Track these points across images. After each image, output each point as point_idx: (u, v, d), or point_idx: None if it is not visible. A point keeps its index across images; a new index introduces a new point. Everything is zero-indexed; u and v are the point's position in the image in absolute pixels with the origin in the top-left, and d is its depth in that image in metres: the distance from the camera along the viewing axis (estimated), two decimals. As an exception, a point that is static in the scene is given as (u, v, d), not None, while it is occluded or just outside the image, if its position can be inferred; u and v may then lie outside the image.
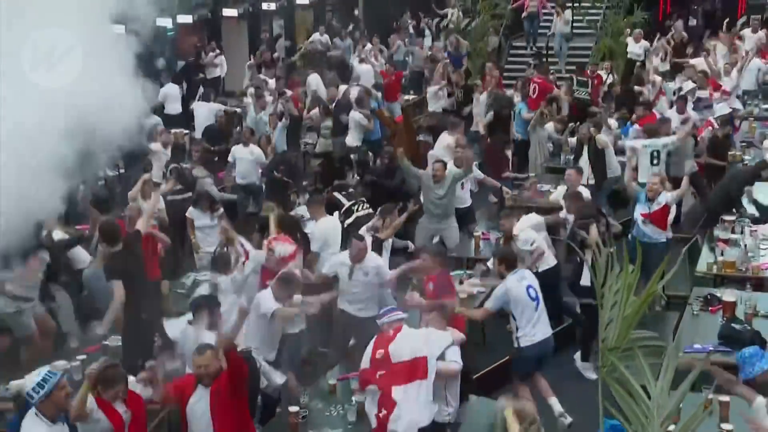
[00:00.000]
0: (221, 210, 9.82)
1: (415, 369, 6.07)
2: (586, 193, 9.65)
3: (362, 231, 8.67)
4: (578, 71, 16.40)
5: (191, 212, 9.74)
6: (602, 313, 2.99)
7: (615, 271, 2.97)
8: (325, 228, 8.66)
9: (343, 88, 15.29)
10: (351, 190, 10.06)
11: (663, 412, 2.93)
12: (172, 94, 15.92)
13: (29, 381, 5.29)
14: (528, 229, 8.77)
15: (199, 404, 5.74)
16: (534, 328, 7.27)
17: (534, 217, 9.03)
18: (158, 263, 8.54)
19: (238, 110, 15.75)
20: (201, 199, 9.84)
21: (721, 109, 13.63)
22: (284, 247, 7.78)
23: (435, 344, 6.20)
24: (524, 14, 20.02)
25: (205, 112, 14.86)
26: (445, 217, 9.87)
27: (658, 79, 14.98)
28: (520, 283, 7.31)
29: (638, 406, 2.94)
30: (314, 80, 16.62)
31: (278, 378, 6.90)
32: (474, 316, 7.65)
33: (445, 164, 10.06)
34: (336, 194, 10.03)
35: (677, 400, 3.00)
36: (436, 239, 9.83)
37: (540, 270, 8.79)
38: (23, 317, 8.12)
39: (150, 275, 8.15)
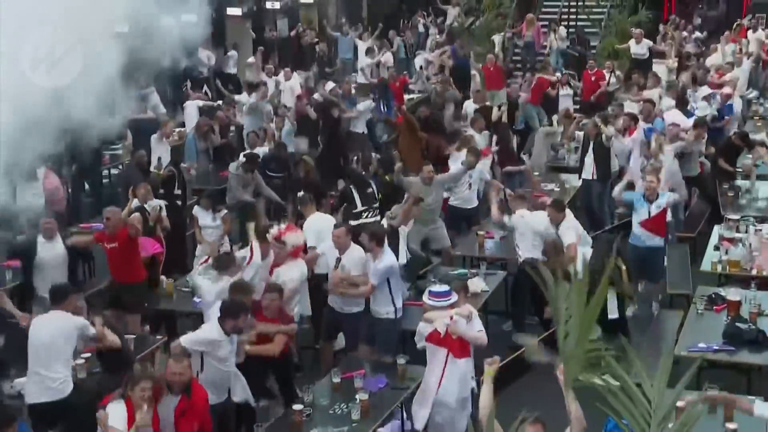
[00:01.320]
0: (224, 211, 9.83)
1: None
2: (571, 232, 8.79)
3: (384, 220, 9.11)
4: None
5: (196, 210, 9.82)
6: (559, 328, 3.05)
7: (564, 286, 3.02)
8: (311, 224, 8.70)
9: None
10: (370, 190, 9.97)
11: (660, 412, 2.94)
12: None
13: None
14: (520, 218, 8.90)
15: (164, 412, 5.76)
16: (401, 303, 7.77)
17: (539, 221, 8.91)
18: (140, 265, 8.58)
19: (217, 103, 15.49)
20: (204, 198, 9.85)
21: (703, 109, 13.54)
22: (296, 236, 7.93)
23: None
24: (521, 42, 19.92)
25: (192, 109, 14.84)
26: (433, 221, 9.96)
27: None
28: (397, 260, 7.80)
29: (636, 408, 2.96)
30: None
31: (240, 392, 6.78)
32: (362, 294, 7.76)
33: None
34: (352, 188, 9.99)
35: (674, 399, 3.01)
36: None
37: (520, 260, 8.86)
38: None
39: (130, 277, 8.31)
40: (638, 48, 18.04)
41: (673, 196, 9.43)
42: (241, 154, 11.65)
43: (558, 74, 16.36)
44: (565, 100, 15.62)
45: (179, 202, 10.82)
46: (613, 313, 7.71)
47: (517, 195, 9.56)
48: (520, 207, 9.10)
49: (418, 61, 19.13)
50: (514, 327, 9.12)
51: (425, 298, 6.69)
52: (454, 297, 6.61)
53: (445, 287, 6.73)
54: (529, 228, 8.86)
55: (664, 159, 10.62)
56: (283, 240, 7.93)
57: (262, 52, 18.41)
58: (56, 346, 6.46)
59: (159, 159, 11.77)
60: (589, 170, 11.55)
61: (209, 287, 7.39)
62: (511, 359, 8.14)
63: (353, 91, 15.36)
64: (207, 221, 9.68)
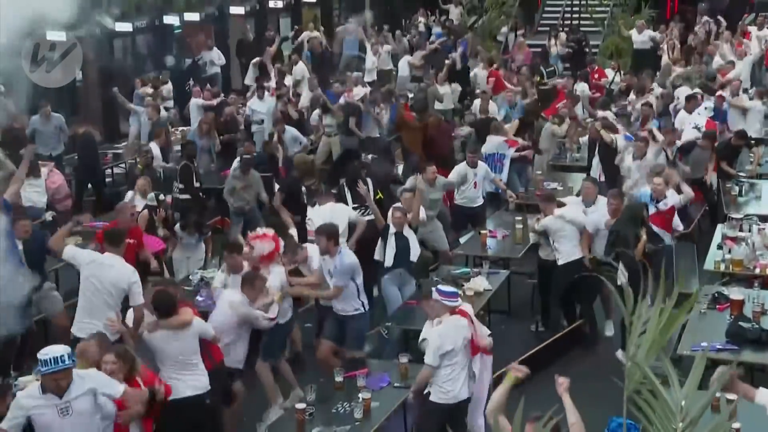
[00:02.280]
0: (209, 233, 9.76)
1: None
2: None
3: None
4: (544, 62, 16.56)
5: (178, 229, 9.64)
6: (630, 338, 3.00)
7: (646, 303, 2.98)
8: (321, 213, 8.66)
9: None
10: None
11: (688, 416, 2.91)
12: None
13: (49, 350, 5.28)
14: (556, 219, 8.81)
15: None
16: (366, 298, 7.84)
17: (575, 212, 8.92)
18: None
19: (217, 101, 15.36)
20: (189, 224, 9.62)
21: (704, 114, 13.50)
22: (263, 245, 7.80)
23: None
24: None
25: (195, 107, 14.85)
26: (431, 223, 9.89)
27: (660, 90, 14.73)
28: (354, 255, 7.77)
29: (663, 410, 2.92)
30: (301, 70, 16.73)
31: None
32: (329, 297, 7.71)
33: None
34: (344, 186, 9.95)
35: (704, 404, 2.99)
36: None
37: (561, 263, 8.82)
38: (54, 296, 8.35)
39: None
40: (640, 38, 17.98)
41: (681, 197, 9.38)
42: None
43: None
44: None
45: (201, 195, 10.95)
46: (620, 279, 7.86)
47: (545, 196, 9.38)
48: (551, 208, 8.90)
49: (402, 64, 18.93)
50: (545, 326, 9.20)
51: (435, 296, 6.55)
52: (460, 301, 6.61)
53: (453, 288, 6.74)
54: (569, 225, 8.74)
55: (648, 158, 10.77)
56: (251, 245, 7.85)
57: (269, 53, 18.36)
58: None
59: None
60: (596, 171, 11.46)
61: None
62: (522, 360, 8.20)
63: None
64: (190, 240, 9.57)
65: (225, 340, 6.95)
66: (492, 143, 11.84)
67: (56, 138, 13.06)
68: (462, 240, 10.66)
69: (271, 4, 21.91)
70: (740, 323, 7.29)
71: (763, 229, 9.45)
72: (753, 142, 12.73)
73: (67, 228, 7.64)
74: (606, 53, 19.07)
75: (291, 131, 13.31)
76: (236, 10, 20.46)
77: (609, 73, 17.27)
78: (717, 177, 11.71)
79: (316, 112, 14.70)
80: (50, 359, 5.21)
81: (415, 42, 20.90)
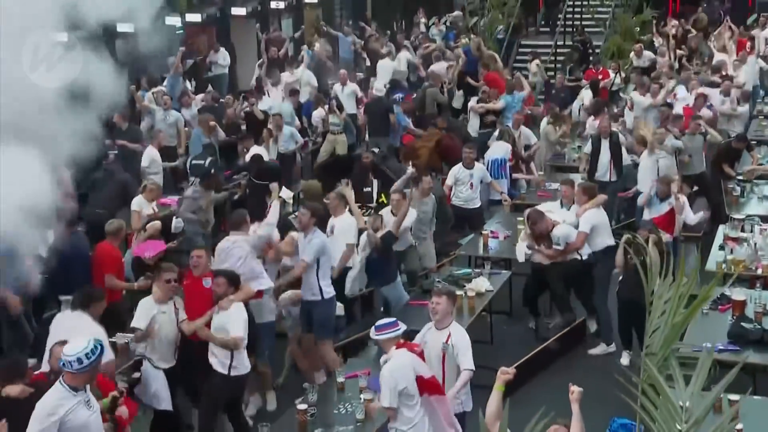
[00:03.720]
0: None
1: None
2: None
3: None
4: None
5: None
6: (650, 319, 2.96)
7: (668, 281, 2.93)
8: (341, 224, 8.67)
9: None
10: (367, 189, 9.79)
11: (692, 416, 2.90)
12: None
13: (73, 347, 5.12)
14: (565, 225, 8.85)
15: None
16: (329, 287, 7.93)
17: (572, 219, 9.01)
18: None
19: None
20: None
21: (683, 99, 13.55)
22: (267, 228, 8.03)
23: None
24: None
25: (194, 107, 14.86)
26: (423, 239, 9.73)
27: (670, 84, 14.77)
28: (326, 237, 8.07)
29: (667, 409, 2.91)
30: (307, 73, 16.77)
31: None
32: (295, 275, 7.86)
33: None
34: (347, 188, 9.91)
35: (707, 405, 2.97)
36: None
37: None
38: None
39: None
40: (639, 62, 17.99)
41: (689, 214, 9.61)
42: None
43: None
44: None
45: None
46: None
47: (534, 216, 9.06)
48: (546, 221, 8.89)
49: (402, 57, 18.75)
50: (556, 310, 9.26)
51: (373, 335, 6.11)
52: (402, 326, 6.11)
53: (391, 319, 6.26)
54: (573, 230, 8.85)
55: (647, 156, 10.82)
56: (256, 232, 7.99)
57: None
58: None
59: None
60: (605, 171, 11.32)
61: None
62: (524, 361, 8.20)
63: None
64: None
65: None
66: (499, 148, 11.82)
67: None
68: (463, 241, 10.65)
69: (273, 5, 21.91)
70: (742, 324, 7.29)
71: (765, 229, 9.45)
72: (754, 143, 12.71)
73: None
74: (608, 54, 19.04)
75: (289, 129, 13.36)
76: (238, 11, 20.47)
77: (609, 73, 17.26)
78: (719, 178, 11.71)
79: (317, 112, 14.71)
80: (95, 347, 5.09)
81: (419, 41, 20.89)
